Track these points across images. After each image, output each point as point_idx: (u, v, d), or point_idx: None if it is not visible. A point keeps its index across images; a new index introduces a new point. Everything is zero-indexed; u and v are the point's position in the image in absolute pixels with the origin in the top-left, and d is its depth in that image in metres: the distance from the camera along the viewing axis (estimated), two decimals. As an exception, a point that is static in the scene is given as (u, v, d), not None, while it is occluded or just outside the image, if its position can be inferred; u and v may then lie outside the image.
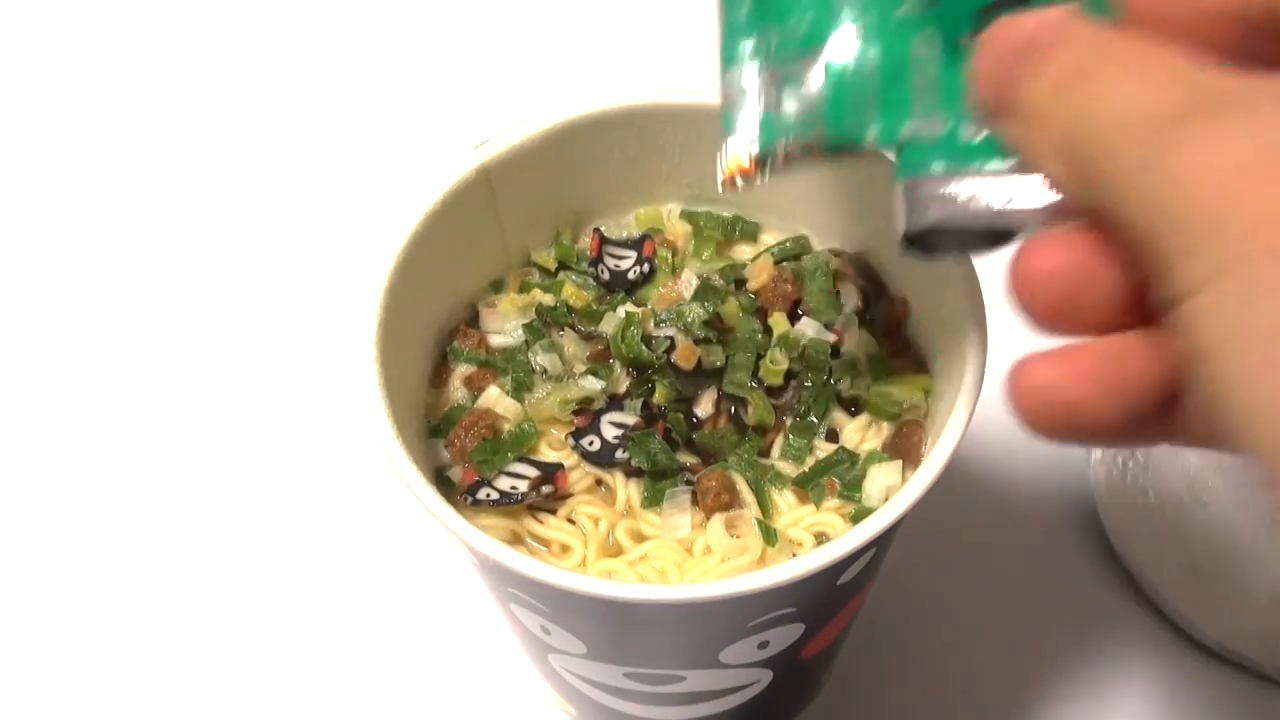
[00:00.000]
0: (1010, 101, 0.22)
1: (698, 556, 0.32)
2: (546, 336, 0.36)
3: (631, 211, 0.39)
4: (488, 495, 0.33)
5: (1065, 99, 0.21)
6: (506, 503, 0.33)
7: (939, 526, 0.45)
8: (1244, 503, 0.47)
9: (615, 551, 0.33)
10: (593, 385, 0.35)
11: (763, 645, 0.32)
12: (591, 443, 0.34)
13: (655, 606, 0.29)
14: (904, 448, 0.34)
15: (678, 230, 0.38)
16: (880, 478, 0.33)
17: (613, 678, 0.35)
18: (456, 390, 0.36)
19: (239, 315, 0.54)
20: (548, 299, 0.37)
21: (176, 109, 0.61)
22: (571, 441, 0.34)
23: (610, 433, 0.34)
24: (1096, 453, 0.48)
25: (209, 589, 0.47)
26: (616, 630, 0.32)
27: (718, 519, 0.33)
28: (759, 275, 0.36)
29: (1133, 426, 0.22)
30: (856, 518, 0.33)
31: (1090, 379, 0.22)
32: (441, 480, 0.34)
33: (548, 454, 0.34)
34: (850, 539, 0.28)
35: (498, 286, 0.38)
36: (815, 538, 0.33)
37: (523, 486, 0.33)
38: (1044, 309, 0.23)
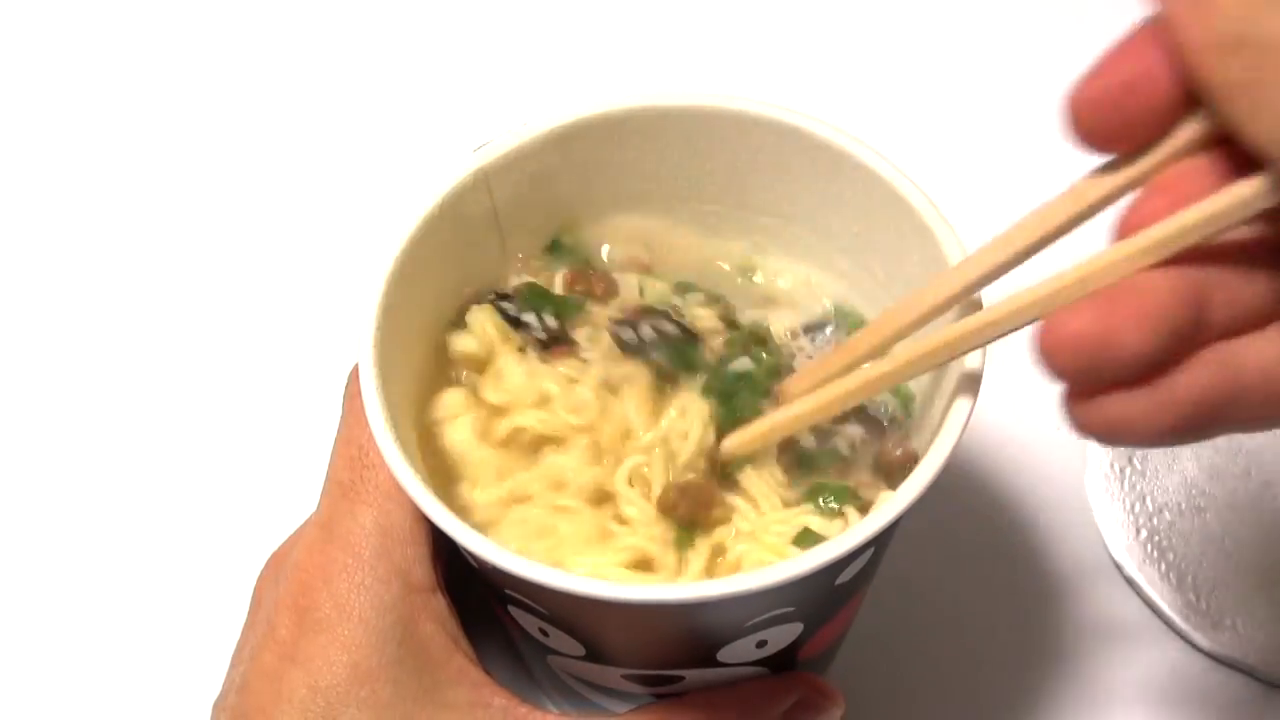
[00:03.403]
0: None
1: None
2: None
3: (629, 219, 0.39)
4: (508, 309, 0.36)
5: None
6: (514, 325, 0.36)
7: (936, 529, 0.45)
8: (1242, 510, 0.47)
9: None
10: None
11: (761, 645, 0.32)
12: (628, 335, 0.35)
13: (654, 606, 0.29)
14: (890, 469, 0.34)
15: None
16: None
17: (611, 679, 0.35)
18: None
19: (236, 318, 0.54)
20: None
21: (175, 110, 0.61)
22: (610, 326, 0.36)
23: (647, 333, 0.36)
24: (1093, 459, 0.48)
25: (208, 590, 0.47)
26: (614, 630, 0.32)
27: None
28: None
29: (1165, 351, 0.23)
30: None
31: (1120, 312, 0.23)
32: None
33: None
34: (849, 538, 0.28)
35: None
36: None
37: (538, 329, 0.36)
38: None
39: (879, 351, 0.31)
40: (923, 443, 0.35)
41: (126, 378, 0.53)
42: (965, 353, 0.29)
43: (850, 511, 0.33)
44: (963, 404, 0.30)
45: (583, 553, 0.33)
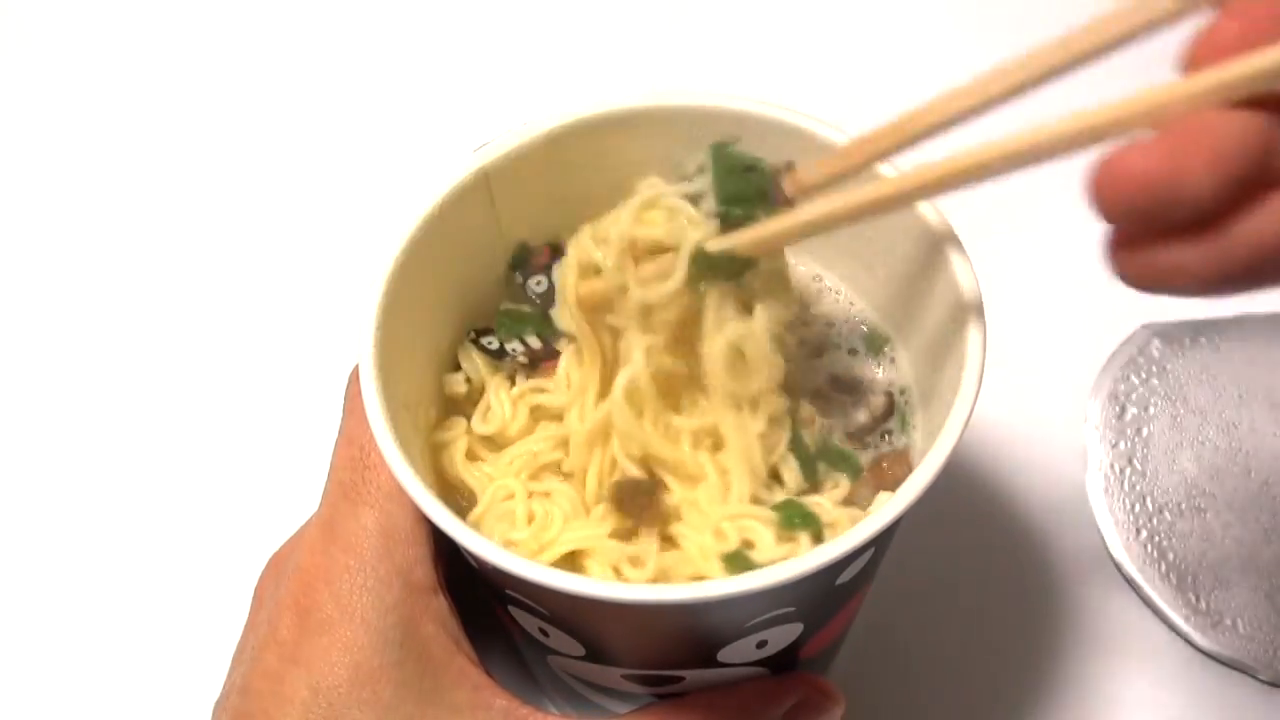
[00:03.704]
0: None
1: None
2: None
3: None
4: (489, 343, 0.37)
5: None
6: (497, 357, 0.36)
7: (936, 529, 0.45)
8: (1241, 509, 0.47)
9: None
10: None
11: (761, 645, 0.32)
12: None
13: (654, 606, 0.29)
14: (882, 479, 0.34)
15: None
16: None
17: (611, 679, 0.35)
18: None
19: (237, 318, 0.54)
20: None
21: (176, 111, 0.61)
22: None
23: None
24: (1093, 459, 0.48)
25: (209, 590, 0.47)
26: (614, 631, 0.32)
27: None
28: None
29: (1231, 196, 0.22)
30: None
31: (1192, 152, 0.22)
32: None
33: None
34: (849, 539, 0.28)
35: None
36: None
37: (521, 354, 0.36)
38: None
39: (899, 147, 0.29)
40: (923, 442, 0.35)
41: (127, 378, 0.53)
42: (999, 174, 0.27)
43: (803, 538, 0.32)
44: (963, 404, 0.30)
45: (571, 527, 0.33)
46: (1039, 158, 0.26)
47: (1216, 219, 0.23)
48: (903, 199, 0.29)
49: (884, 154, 0.30)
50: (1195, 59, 0.23)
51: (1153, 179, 0.22)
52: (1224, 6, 0.23)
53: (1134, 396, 0.49)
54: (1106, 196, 0.23)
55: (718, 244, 0.32)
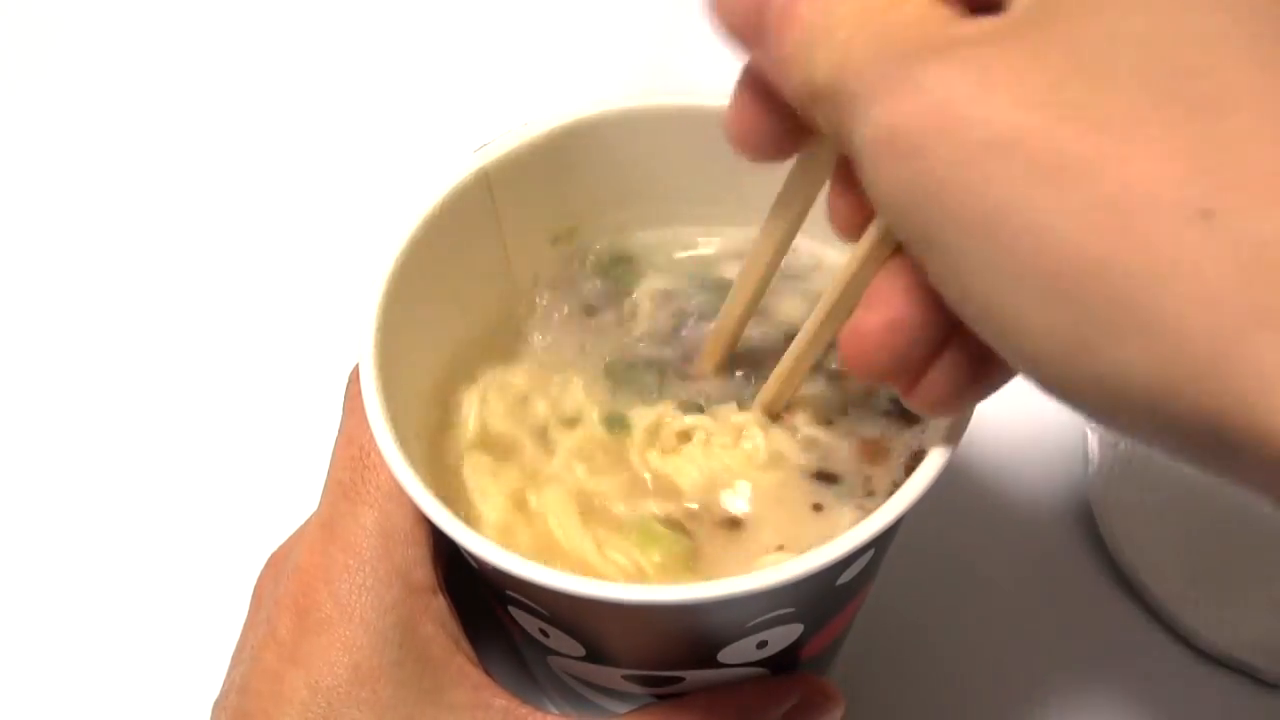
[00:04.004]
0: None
1: None
2: None
3: (632, 218, 0.39)
4: None
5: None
6: None
7: (936, 529, 0.45)
8: (1242, 509, 0.47)
9: None
10: None
11: (761, 645, 0.32)
12: None
13: (654, 607, 0.29)
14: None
15: None
16: None
17: (611, 680, 0.35)
18: None
19: (237, 318, 0.54)
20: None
21: (176, 111, 0.61)
22: None
23: None
24: (1094, 459, 0.48)
25: (208, 590, 0.47)
26: (614, 631, 0.32)
27: None
28: None
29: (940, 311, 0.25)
30: None
31: (889, 301, 0.26)
32: None
33: None
34: (849, 539, 0.28)
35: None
36: None
37: None
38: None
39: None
40: (924, 442, 0.35)
41: (127, 378, 0.53)
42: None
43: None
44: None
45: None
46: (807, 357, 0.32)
47: (952, 335, 0.26)
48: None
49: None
50: (842, 228, 0.28)
51: (881, 331, 0.25)
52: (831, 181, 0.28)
53: (1134, 397, 0.49)
54: (860, 365, 0.26)
55: None
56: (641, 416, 0.35)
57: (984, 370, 0.26)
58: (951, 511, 0.47)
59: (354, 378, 0.35)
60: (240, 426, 0.51)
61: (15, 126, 0.61)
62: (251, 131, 0.61)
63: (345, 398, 0.37)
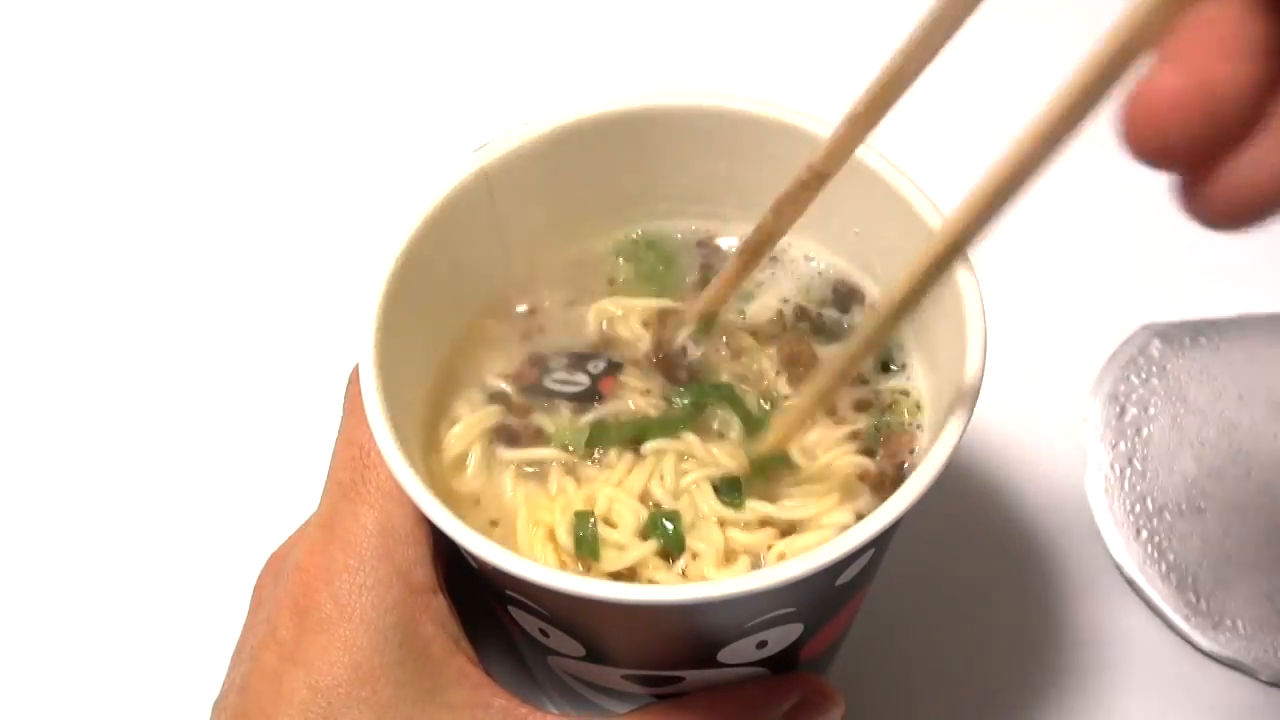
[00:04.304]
0: None
1: None
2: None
3: (631, 219, 0.39)
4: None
5: None
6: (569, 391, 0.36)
7: (936, 529, 0.45)
8: (1241, 510, 0.47)
9: None
10: None
11: (761, 645, 0.32)
12: None
13: (654, 607, 0.29)
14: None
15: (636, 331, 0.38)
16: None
17: (611, 679, 0.35)
18: None
19: (237, 319, 0.54)
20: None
21: (176, 112, 0.61)
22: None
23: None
24: (1093, 459, 0.48)
25: (208, 590, 0.47)
26: (614, 631, 0.32)
27: None
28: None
29: (1270, 72, 0.20)
30: None
31: (1206, 51, 0.20)
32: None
33: None
34: (849, 539, 0.28)
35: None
36: None
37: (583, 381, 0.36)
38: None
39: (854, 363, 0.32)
40: (928, 441, 0.35)
41: (127, 378, 0.53)
42: (1026, 185, 0.25)
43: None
44: (963, 404, 0.30)
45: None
46: (1059, 137, 0.23)
47: (1268, 108, 0.20)
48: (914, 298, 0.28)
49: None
50: None
51: (1189, 94, 0.20)
52: None
53: (1134, 397, 0.49)
54: (1147, 136, 0.20)
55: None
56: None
57: None
58: (951, 512, 0.47)
59: (354, 378, 0.35)
60: (240, 427, 0.51)
61: (15, 127, 0.61)
62: (251, 132, 0.60)
63: (345, 398, 0.37)
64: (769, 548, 0.33)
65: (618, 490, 0.34)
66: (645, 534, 0.33)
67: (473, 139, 0.36)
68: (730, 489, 0.34)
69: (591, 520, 0.33)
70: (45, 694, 0.45)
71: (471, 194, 0.35)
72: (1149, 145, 0.20)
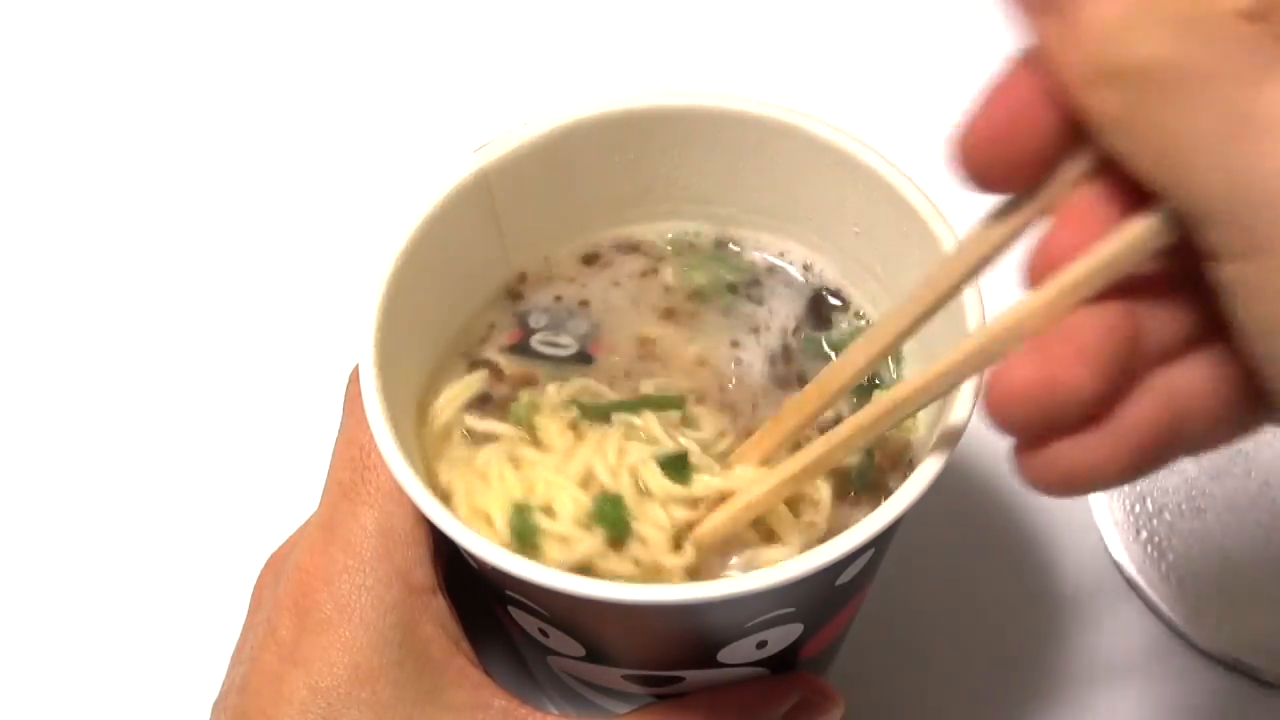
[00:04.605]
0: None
1: None
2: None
3: (631, 219, 0.39)
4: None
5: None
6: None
7: (936, 529, 0.45)
8: (1242, 510, 0.47)
9: None
10: None
11: (761, 645, 0.32)
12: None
13: (654, 607, 0.29)
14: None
15: None
16: None
17: (611, 680, 0.35)
18: None
19: (237, 319, 0.54)
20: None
21: (176, 111, 0.61)
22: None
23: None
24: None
25: (208, 590, 0.47)
26: (614, 631, 0.32)
27: None
28: None
29: (1111, 386, 0.23)
30: None
31: (1060, 355, 0.23)
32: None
33: None
34: (849, 539, 0.28)
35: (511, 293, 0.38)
36: None
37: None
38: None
39: (822, 410, 0.32)
40: (924, 442, 0.35)
41: (127, 378, 0.53)
42: (904, 417, 0.30)
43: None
44: (963, 405, 0.30)
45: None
46: (921, 403, 0.28)
47: (1104, 412, 0.23)
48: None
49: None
50: (1036, 271, 0.24)
51: (1032, 389, 0.23)
52: (1054, 217, 0.24)
53: (1134, 397, 0.49)
54: (1000, 413, 0.24)
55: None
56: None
57: (1132, 460, 0.24)
58: (951, 512, 0.47)
59: (354, 378, 0.35)
60: (240, 427, 0.51)
61: (15, 127, 0.61)
62: (251, 132, 0.60)
63: (345, 398, 0.37)
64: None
65: (556, 476, 0.32)
66: (588, 523, 0.32)
67: (473, 139, 0.36)
68: (676, 465, 0.32)
69: (529, 512, 0.32)
70: (45, 694, 0.45)
71: (471, 194, 0.35)
72: (1000, 418, 0.24)
